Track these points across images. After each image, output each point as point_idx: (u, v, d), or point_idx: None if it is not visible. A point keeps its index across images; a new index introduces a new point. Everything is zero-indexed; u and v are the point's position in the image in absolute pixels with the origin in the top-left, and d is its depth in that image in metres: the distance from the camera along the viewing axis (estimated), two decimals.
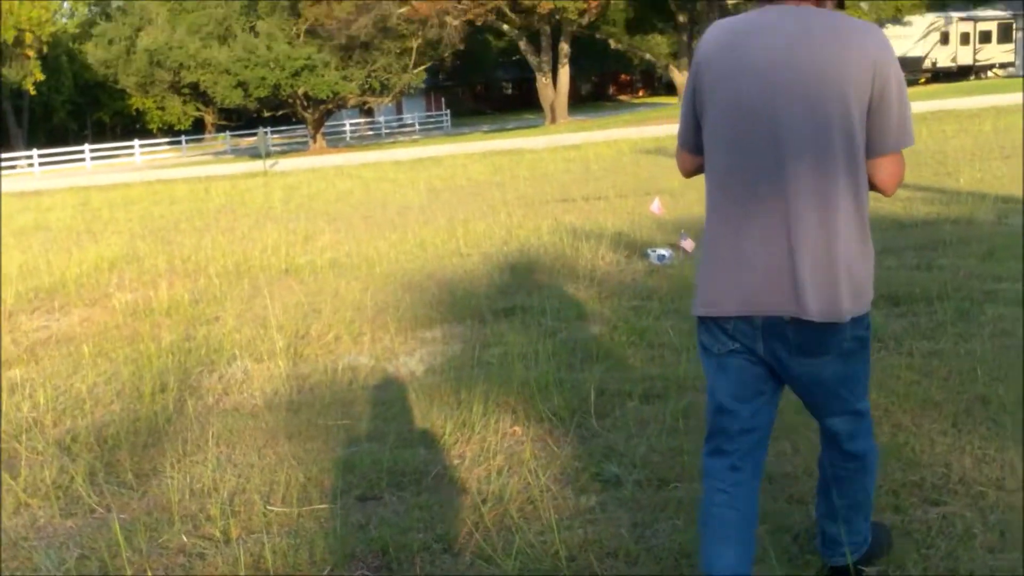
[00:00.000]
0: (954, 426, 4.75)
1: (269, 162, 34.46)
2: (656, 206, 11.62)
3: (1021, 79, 49.81)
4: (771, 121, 2.90)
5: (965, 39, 55.94)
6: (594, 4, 48.26)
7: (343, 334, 7.59)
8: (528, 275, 9.30)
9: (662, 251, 9.65)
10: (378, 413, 5.69)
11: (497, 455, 4.88)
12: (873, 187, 3.02)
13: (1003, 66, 58.24)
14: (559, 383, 5.77)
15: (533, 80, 57.38)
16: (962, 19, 56.47)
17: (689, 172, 3.44)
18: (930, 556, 3.61)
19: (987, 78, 56.45)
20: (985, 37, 57.06)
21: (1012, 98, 32.94)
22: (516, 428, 5.26)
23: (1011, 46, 58.39)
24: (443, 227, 13.11)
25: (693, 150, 3.26)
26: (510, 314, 7.82)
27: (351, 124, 66.44)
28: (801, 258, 2.88)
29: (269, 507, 4.49)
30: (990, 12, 59.88)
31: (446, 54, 52.22)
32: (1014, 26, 58.51)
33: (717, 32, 3.06)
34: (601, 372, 6.04)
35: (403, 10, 48.92)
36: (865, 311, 3.02)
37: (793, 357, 3.02)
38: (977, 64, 56.78)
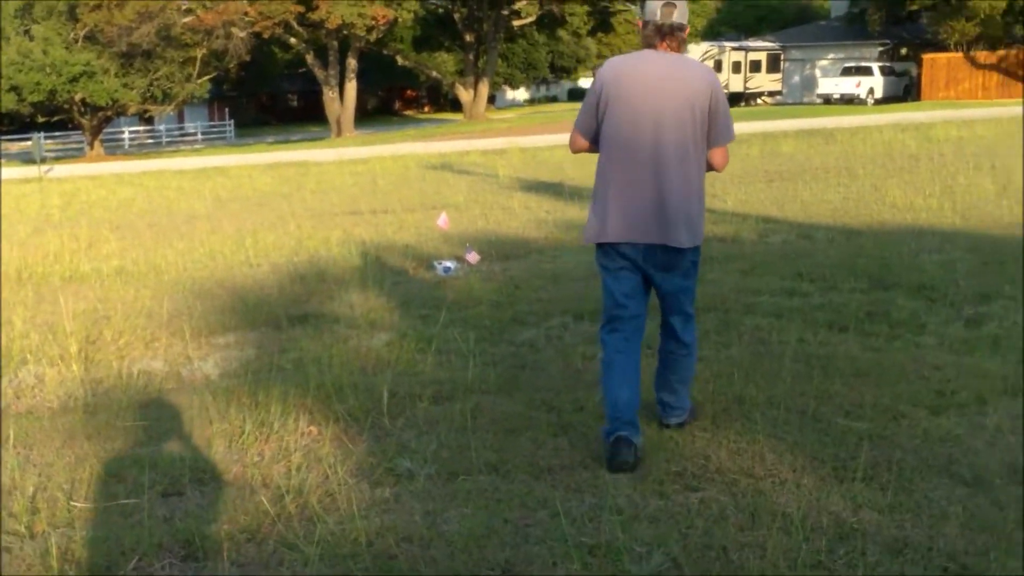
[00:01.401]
0: (713, 423, 5.25)
1: (44, 167, 33.33)
2: (442, 220, 11.97)
3: (787, 106, 52.67)
4: (653, 117, 4.70)
5: (737, 68, 58.59)
6: (382, 20, 48.46)
7: (135, 340, 7.67)
8: (319, 285, 9.53)
9: (448, 263, 10.04)
10: (176, 414, 5.84)
11: (295, 452, 5.12)
12: (710, 167, 4.89)
13: (771, 94, 61.31)
14: (353, 386, 6.04)
15: (319, 93, 57.18)
16: (734, 49, 59.18)
17: (579, 150, 5.13)
18: (690, 535, 4.06)
19: (757, 105, 59.29)
20: (755, 66, 59.91)
21: (777, 124, 34.86)
22: (312, 428, 5.51)
23: (779, 75, 61.52)
24: (231, 237, 13.16)
25: (587, 136, 4.98)
26: (303, 321, 8.04)
27: (130, 131, 64.66)
28: (666, 206, 4.71)
29: (73, 503, 4.62)
30: (760, 43, 62.95)
31: (231, 65, 51.51)
32: (782, 57, 61.68)
33: (616, 63, 4.89)
34: (393, 376, 6.33)
35: (187, 20, 48.10)
36: (699, 243, 4.86)
37: (658, 271, 4.83)
38: (748, 92, 59.56)
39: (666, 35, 4.77)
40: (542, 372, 6.39)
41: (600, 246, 4.89)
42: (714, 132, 4.81)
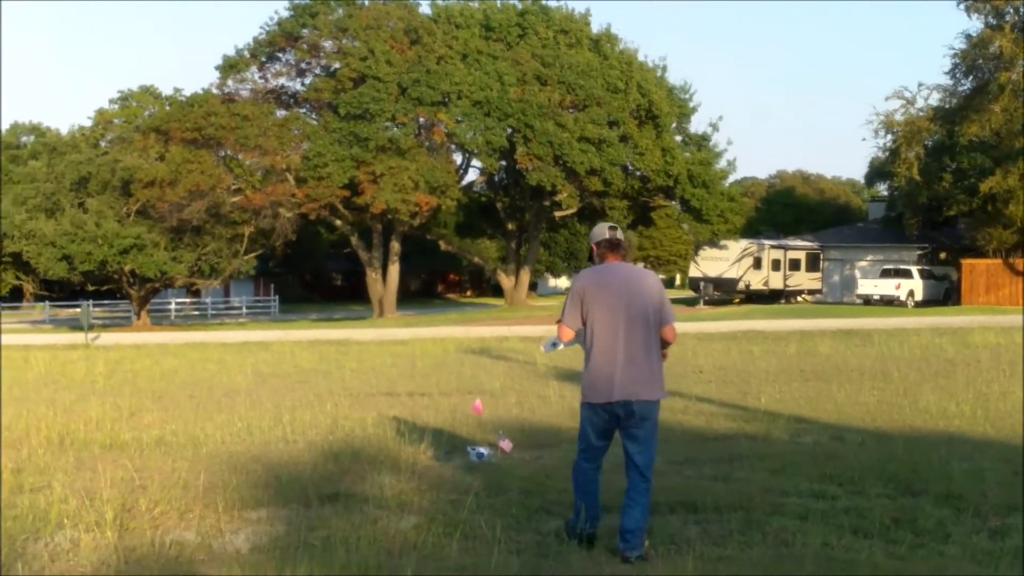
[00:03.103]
0: None
1: (91, 335, 34.01)
2: (477, 406, 12.14)
3: (826, 305, 52.99)
4: (624, 308, 6.67)
5: (776, 265, 59.24)
6: (425, 207, 49.63)
7: (170, 510, 7.81)
8: (352, 464, 9.65)
9: (481, 449, 10.16)
10: None
11: None
12: (664, 341, 6.86)
13: (811, 292, 61.76)
14: (378, 567, 6.14)
15: (363, 273, 58.17)
16: (773, 246, 59.94)
17: (568, 340, 6.90)
18: None
19: (796, 303, 59.68)
20: (795, 265, 60.55)
21: (816, 323, 35.08)
22: None
23: (818, 274, 62.08)
24: (270, 412, 13.38)
25: (574, 328, 6.82)
26: (334, 500, 8.16)
27: (177, 303, 65.87)
28: (639, 369, 6.65)
29: None
30: (799, 242, 63.74)
31: (277, 243, 52.70)
32: (821, 256, 62.34)
33: (589, 273, 6.89)
34: (417, 560, 6.41)
35: (236, 199, 49.49)
36: (661, 397, 6.81)
37: (631, 419, 6.69)
38: (787, 289, 60.06)
39: (615, 248, 6.87)
40: (565, 563, 6.45)
41: (590, 404, 6.80)
42: (662, 316, 6.79)
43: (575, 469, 6.98)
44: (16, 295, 66.09)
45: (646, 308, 6.71)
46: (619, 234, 6.90)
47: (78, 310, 40.51)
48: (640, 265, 78.65)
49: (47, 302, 59.41)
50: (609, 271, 6.81)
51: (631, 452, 6.77)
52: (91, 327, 36.69)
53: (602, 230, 6.92)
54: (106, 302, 59.57)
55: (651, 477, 6.82)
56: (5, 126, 76.37)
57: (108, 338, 35.93)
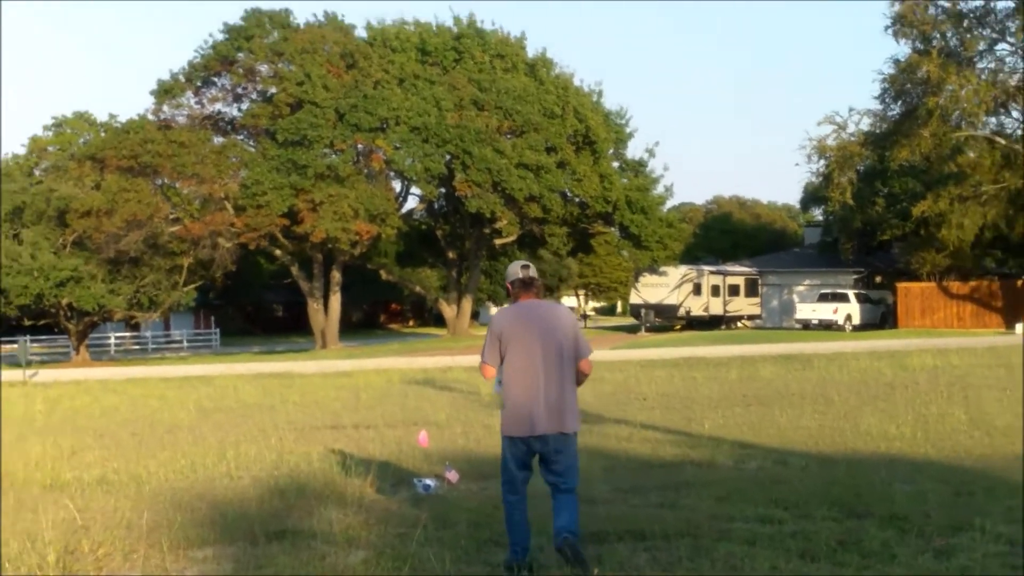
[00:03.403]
0: None
1: (29, 372, 33.49)
2: (423, 437, 12.12)
3: (766, 330, 53.52)
4: (540, 343, 6.98)
5: (716, 291, 59.79)
6: (365, 236, 49.46)
7: (114, 551, 7.72)
8: (298, 499, 9.59)
9: (428, 481, 10.14)
10: None
11: None
12: (580, 373, 7.20)
13: (751, 318, 62.37)
14: None
15: (304, 304, 57.87)
16: (712, 272, 60.49)
17: (490, 377, 7.19)
18: None
19: (736, 328, 60.22)
20: (734, 290, 61.14)
21: (756, 348, 35.40)
22: None
23: (757, 299, 62.72)
24: (214, 448, 13.26)
25: (494, 366, 7.11)
26: (281, 537, 8.10)
27: (116, 337, 65.04)
28: (557, 402, 6.96)
29: None
30: (738, 268, 64.43)
31: (217, 274, 52.27)
32: (759, 282, 63.01)
33: (508, 311, 7.18)
34: None
35: (175, 229, 49.07)
36: (577, 428, 7.09)
37: (551, 449, 6.99)
38: (728, 315, 60.59)
39: (528, 286, 7.14)
40: None
41: (509, 438, 7.05)
42: (579, 350, 7.14)
43: (505, 506, 7.14)
44: None
45: (561, 344, 7.01)
46: (532, 272, 7.19)
47: (15, 346, 39.87)
48: (573, 296, 78.53)
49: None
50: (524, 309, 7.11)
51: (555, 483, 7.08)
52: (29, 363, 36.11)
53: (515, 269, 7.21)
54: (44, 337, 58.65)
55: (575, 490, 7.12)
56: None
57: (47, 374, 35.41)
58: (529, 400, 6.92)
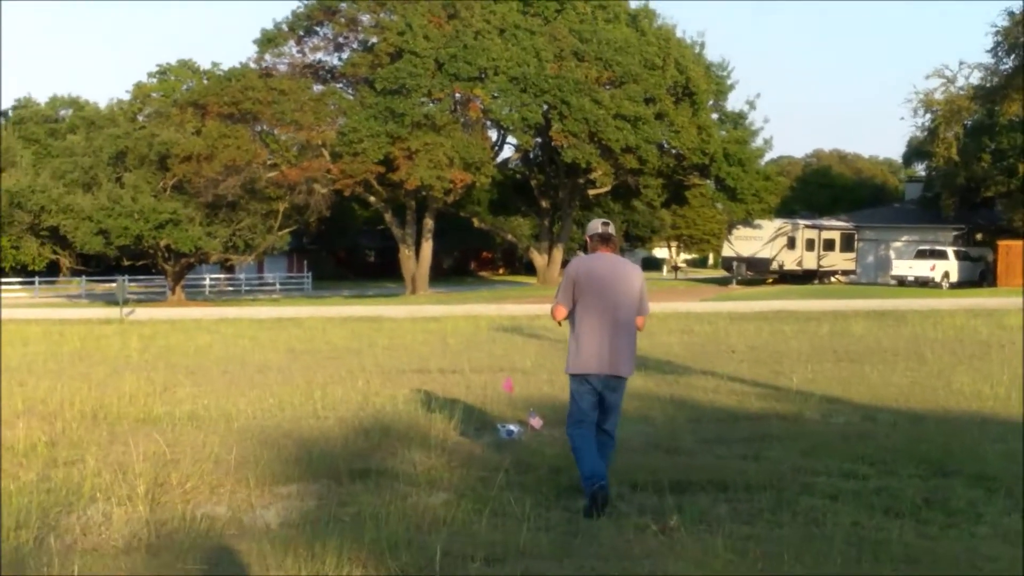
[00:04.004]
0: None
1: (126, 310, 34.26)
2: (508, 383, 12.15)
3: (861, 286, 52.70)
4: (610, 293, 7.49)
5: (810, 245, 58.95)
6: (459, 184, 49.55)
7: (202, 484, 7.87)
8: (382, 440, 9.68)
9: (511, 427, 10.17)
10: (235, 561, 5.99)
11: None
12: (636, 326, 7.62)
13: (845, 273, 61.39)
14: (408, 543, 6.16)
15: (396, 250, 58.27)
16: (808, 226, 59.59)
17: (560, 318, 7.69)
18: None
19: (830, 283, 59.37)
20: (829, 245, 60.21)
21: (850, 304, 34.89)
22: None
23: (853, 255, 61.68)
24: (301, 388, 13.44)
25: (568, 308, 7.59)
26: (364, 476, 8.19)
27: (211, 278, 66.23)
28: (619, 348, 7.49)
29: None
30: (834, 222, 63.35)
31: (312, 219, 52.82)
32: (856, 236, 61.92)
33: (585, 259, 7.69)
34: (447, 535, 6.44)
35: (272, 174, 49.63)
36: (632, 374, 7.71)
37: (609, 391, 7.58)
38: (821, 270, 59.73)
39: (607, 241, 7.65)
40: (594, 540, 6.45)
41: (575, 375, 7.60)
42: (641, 306, 7.64)
43: (572, 440, 7.58)
44: (52, 270, 66.56)
45: (628, 297, 7.53)
46: (611, 229, 7.72)
47: (114, 285, 40.79)
48: (665, 247, 78.15)
49: (83, 277, 59.80)
50: (600, 261, 7.59)
51: (600, 421, 7.64)
52: (126, 302, 36.94)
53: (596, 225, 7.74)
54: (141, 277, 59.94)
55: (616, 436, 7.85)
56: (45, 99, 76.60)
57: (142, 313, 36.21)
58: (597, 342, 7.44)
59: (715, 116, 56.81)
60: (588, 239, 7.74)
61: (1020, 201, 51.57)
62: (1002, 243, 53.97)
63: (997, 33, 47.47)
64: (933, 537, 6.49)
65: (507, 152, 59.12)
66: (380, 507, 7.06)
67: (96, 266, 58.37)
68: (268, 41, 53.10)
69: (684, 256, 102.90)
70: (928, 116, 53.35)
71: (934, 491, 7.59)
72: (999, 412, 11.31)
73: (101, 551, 6.24)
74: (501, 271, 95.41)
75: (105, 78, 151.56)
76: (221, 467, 8.44)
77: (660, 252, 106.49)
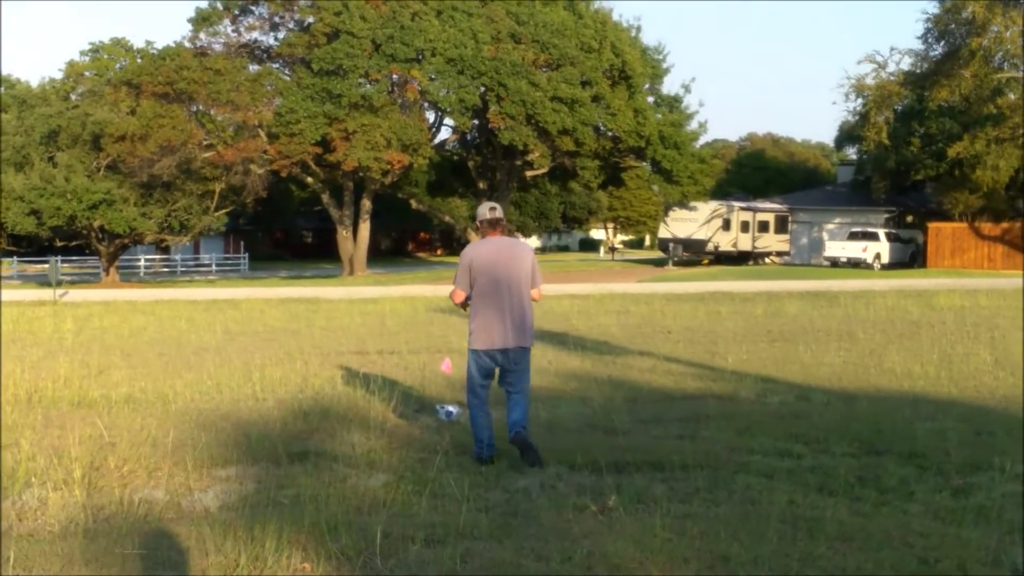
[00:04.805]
0: None
1: (59, 291, 33.80)
2: (446, 365, 12.15)
3: (794, 267, 53.27)
4: (504, 272, 8.18)
5: (745, 227, 59.49)
6: (397, 165, 49.35)
7: (139, 468, 7.82)
8: (321, 422, 9.68)
9: (450, 408, 10.21)
10: (173, 545, 5.96)
11: None
12: (533, 299, 8.36)
13: (779, 254, 62.06)
14: (348, 525, 6.17)
15: (333, 231, 57.95)
16: (742, 208, 60.13)
17: (459, 301, 8.36)
18: None
19: (764, 264, 59.99)
20: (763, 227, 60.81)
21: (783, 285, 35.28)
22: (306, 564, 5.62)
23: (787, 236, 62.35)
24: (239, 370, 13.37)
25: (465, 291, 8.27)
26: (303, 458, 8.19)
27: (146, 259, 65.46)
28: (518, 322, 8.18)
29: None
30: (768, 204, 63.98)
31: (248, 200, 52.39)
32: (789, 218, 62.60)
33: (478, 245, 8.33)
34: (387, 517, 6.46)
35: (208, 155, 49.13)
36: (532, 344, 8.41)
37: (513, 363, 8.23)
38: (756, 251, 60.34)
39: (495, 225, 8.28)
40: (533, 520, 6.50)
41: (475, 351, 8.26)
42: (534, 280, 8.34)
43: (470, 410, 8.41)
44: None
45: (521, 274, 8.23)
46: (498, 213, 8.35)
47: (46, 266, 40.19)
48: (602, 228, 78.24)
49: (15, 258, 58.87)
50: (492, 244, 8.28)
51: (510, 387, 8.32)
52: (59, 283, 36.43)
53: (484, 211, 8.38)
54: (75, 258, 59.14)
55: (527, 393, 8.42)
56: None
57: (76, 294, 35.73)
58: (495, 319, 8.15)
59: (651, 99, 56.96)
60: (479, 224, 8.37)
61: (949, 185, 52.49)
62: (932, 225, 54.92)
63: (928, 20, 48.23)
64: (866, 514, 6.61)
65: (444, 134, 58.93)
66: (319, 489, 7.07)
67: (28, 247, 57.46)
68: (203, 20, 52.40)
69: (621, 237, 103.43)
70: (860, 101, 53.97)
71: (867, 469, 7.73)
72: (929, 391, 11.53)
73: (37, 536, 6.19)
74: (439, 252, 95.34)
75: (36, 56, 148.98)
76: (159, 450, 8.39)
77: (597, 233, 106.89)
